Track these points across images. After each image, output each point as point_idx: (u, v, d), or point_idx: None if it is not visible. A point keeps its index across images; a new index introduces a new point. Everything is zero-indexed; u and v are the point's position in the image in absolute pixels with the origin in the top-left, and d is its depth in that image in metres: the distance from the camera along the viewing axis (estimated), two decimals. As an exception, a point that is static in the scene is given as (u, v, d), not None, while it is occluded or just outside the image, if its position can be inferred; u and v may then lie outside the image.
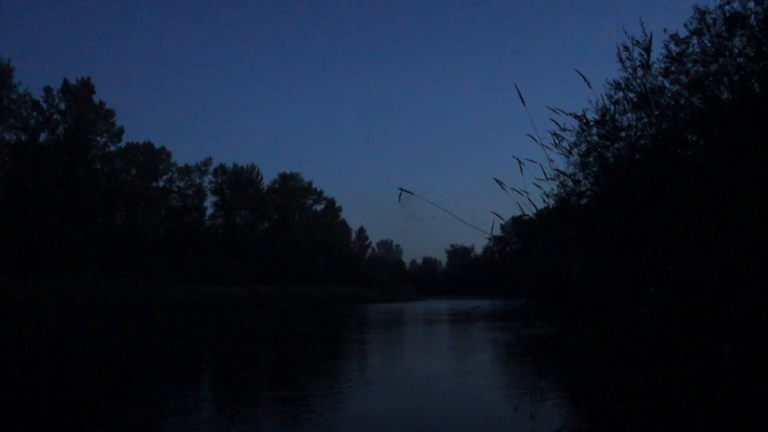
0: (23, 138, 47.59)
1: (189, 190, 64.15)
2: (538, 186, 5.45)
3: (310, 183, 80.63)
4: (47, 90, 50.04)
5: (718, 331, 4.76)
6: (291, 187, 76.33)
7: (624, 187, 6.20)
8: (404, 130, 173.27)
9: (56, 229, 43.33)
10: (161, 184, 60.73)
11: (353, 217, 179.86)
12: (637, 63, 7.55)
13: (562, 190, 6.91)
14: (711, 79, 9.46)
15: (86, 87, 51.42)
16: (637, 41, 7.77)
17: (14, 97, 47.37)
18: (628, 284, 5.55)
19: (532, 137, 5.10)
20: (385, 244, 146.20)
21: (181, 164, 63.44)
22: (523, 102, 4.86)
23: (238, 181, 68.69)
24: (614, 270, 5.68)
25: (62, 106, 50.56)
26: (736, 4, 9.81)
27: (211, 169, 66.72)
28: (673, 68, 10.03)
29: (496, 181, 4.84)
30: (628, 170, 6.45)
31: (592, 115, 7.78)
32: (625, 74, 8.94)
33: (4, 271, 35.76)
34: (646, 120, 7.71)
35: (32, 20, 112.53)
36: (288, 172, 77.42)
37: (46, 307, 33.09)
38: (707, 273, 4.87)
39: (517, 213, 5.43)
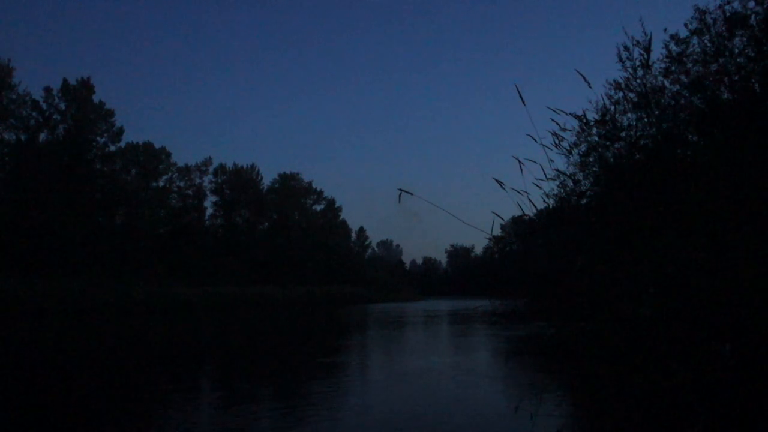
0: (23, 138, 47.58)
1: (189, 190, 64.13)
2: (538, 186, 5.42)
3: (310, 183, 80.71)
4: (47, 90, 50.03)
5: (718, 331, 4.76)
6: (291, 187, 76.29)
7: (624, 187, 6.20)
8: (404, 130, 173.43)
9: (56, 229, 43.32)
10: (161, 184, 60.72)
11: (353, 217, 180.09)
12: (637, 63, 7.53)
13: (562, 190, 6.88)
14: (711, 79, 9.45)
15: (86, 87, 51.37)
16: (638, 41, 7.75)
17: (14, 97, 47.36)
18: (629, 284, 5.55)
19: (532, 137, 5.08)
20: (385, 244, 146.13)
21: (181, 164, 63.49)
22: (523, 102, 4.85)
23: (238, 181, 68.67)
24: (614, 270, 5.67)
25: (62, 106, 50.54)
26: (736, 4, 9.81)
27: (211, 169, 66.77)
28: (673, 68, 10.02)
29: (496, 181, 4.83)
30: (628, 170, 6.45)
31: (592, 115, 7.76)
32: (625, 74, 8.92)
33: (4, 271, 35.74)
34: (646, 120, 7.70)
35: (32, 20, 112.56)
36: (288, 172, 77.49)
37: (46, 307, 33.08)
38: (707, 273, 4.87)
39: (517, 213, 5.41)
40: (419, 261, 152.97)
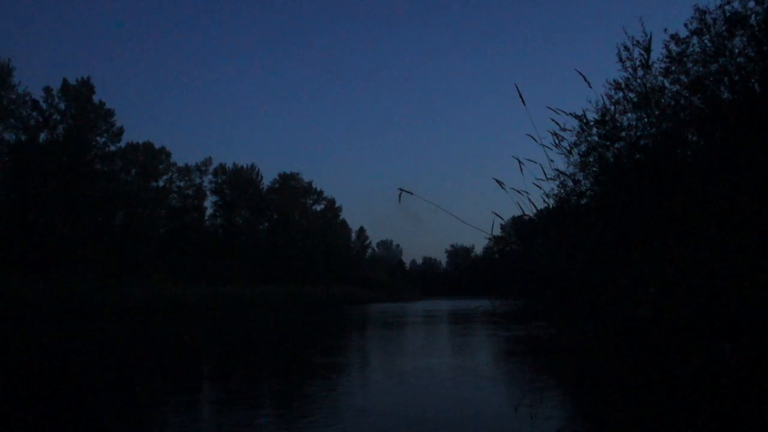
0: (23, 138, 47.56)
1: (189, 190, 64.04)
2: (538, 186, 5.44)
3: (310, 183, 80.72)
4: (47, 90, 49.98)
5: (718, 331, 4.76)
6: (291, 187, 76.28)
7: (624, 187, 6.20)
8: (404, 130, 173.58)
9: (56, 229, 43.30)
10: (161, 184, 60.68)
11: (353, 217, 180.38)
12: (637, 63, 7.55)
13: (562, 190, 6.89)
14: (711, 79, 9.45)
15: (86, 87, 51.34)
16: (638, 41, 7.77)
17: (14, 97, 47.31)
18: (629, 284, 5.55)
19: (532, 137, 5.10)
20: (385, 244, 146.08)
21: (181, 164, 63.44)
22: (524, 102, 4.85)
23: (238, 181, 68.63)
24: (614, 270, 5.67)
25: (62, 106, 50.48)
26: (736, 4, 9.80)
27: (211, 169, 66.68)
28: (673, 68, 10.01)
29: (496, 181, 4.84)
30: (628, 170, 6.45)
31: (592, 115, 7.76)
32: (625, 74, 8.93)
33: (4, 271, 35.73)
34: (646, 120, 7.71)
35: (32, 20, 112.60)
36: (288, 172, 77.48)
37: (46, 307, 33.07)
38: (707, 273, 4.87)
39: (517, 213, 5.42)
40: (419, 261, 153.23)
